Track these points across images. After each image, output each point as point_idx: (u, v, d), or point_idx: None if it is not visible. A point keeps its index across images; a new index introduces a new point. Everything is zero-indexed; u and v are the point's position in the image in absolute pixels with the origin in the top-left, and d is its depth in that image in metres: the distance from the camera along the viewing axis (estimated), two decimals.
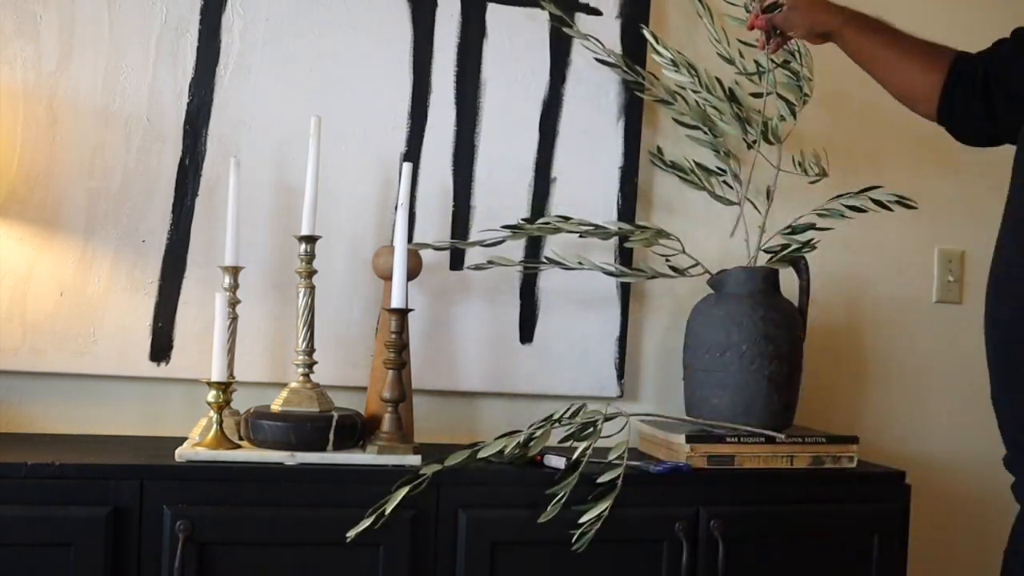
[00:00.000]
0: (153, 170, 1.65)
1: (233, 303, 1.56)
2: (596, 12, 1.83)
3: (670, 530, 1.53)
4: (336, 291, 1.71)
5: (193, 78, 1.66)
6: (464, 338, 1.78)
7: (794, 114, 1.79)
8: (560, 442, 1.56)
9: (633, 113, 1.86)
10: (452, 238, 1.77)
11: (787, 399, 1.68)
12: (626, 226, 1.73)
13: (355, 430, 1.50)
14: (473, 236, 1.77)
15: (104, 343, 1.62)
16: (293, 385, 1.52)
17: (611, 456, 1.51)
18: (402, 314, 1.51)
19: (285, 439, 1.44)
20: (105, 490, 1.33)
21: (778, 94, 1.79)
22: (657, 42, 1.80)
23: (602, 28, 1.83)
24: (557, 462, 1.54)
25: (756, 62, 1.80)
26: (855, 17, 1.60)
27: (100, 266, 1.63)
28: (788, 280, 1.78)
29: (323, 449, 1.46)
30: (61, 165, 1.61)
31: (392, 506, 1.39)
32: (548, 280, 1.82)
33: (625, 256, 1.85)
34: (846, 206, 1.75)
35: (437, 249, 1.69)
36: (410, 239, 1.63)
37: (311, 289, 1.55)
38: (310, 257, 1.55)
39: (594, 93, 1.84)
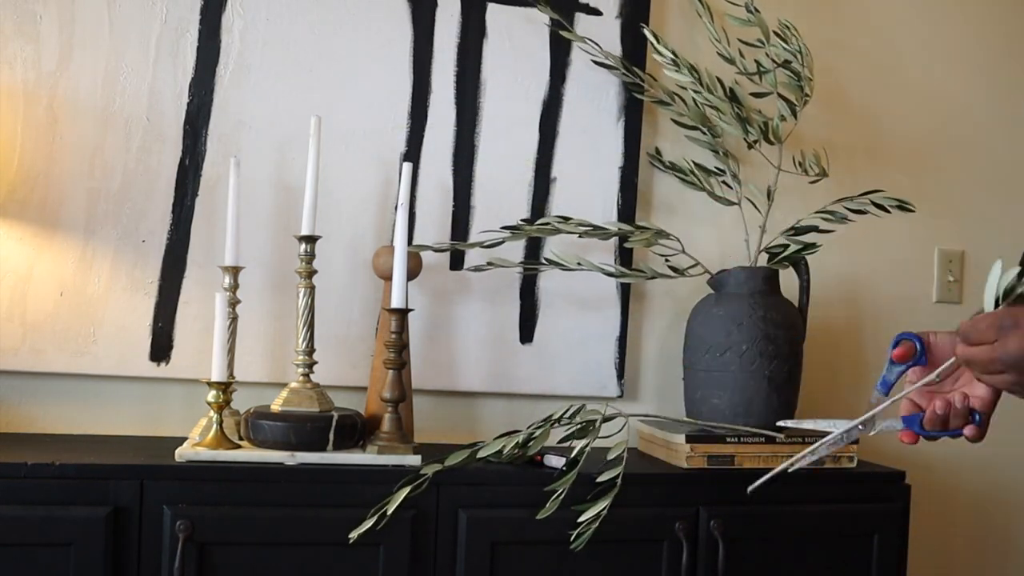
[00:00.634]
0: (153, 170, 1.65)
1: (233, 303, 1.56)
2: (596, 12, 1.83)
3: (670, 530, 1.53)
4: (336, 291, 1.71)
5: (193, 78, 1.66)
6: (464, 338, 1.78)
7: (795, 114, 1.79)
8: (560, 442, 1.56)
9: (633, 113, 1.86)
10: (452, 238, 1.77)
11: (787, 399, 1.68)
12: (626, 226, 1.73)
13: (355, 430, 1.50)
14: (473, 236, 1.77)
15: (104, 343, 1.62)
16: (293, 385, 1.52)
17: (610, 455, 1.50)
18: (402, 314, 1.51)
19: (285, 439, 1.44)
20: (105, 490, 1.33)
21: (778, 94, 1.79)
22: (658, 42, 1.80)
23: (602, 28, 1.83)
24: (557, 462, 1.54)
25: (757, 62, 1.79)
26: None
27: (100, 266, 1.63)
28: (788, 280, 1.78)
29: (323, 449, 1.46)
30: (61, 165, 1.61)
31: (394, 507, 1.39)
32: (548, 280, 1.82)
33: (625, 256, 1.85)
34: (848, 209, 1.76)
35: (437, 251, 1.69)
36: (410, 239, 1.63)
37: (311, 289, 1.55)
38: (310, 257, 1.55)
39: (594, 93, 1.84)
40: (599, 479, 1.47)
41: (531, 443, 1.52)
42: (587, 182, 1.84)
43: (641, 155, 1.87)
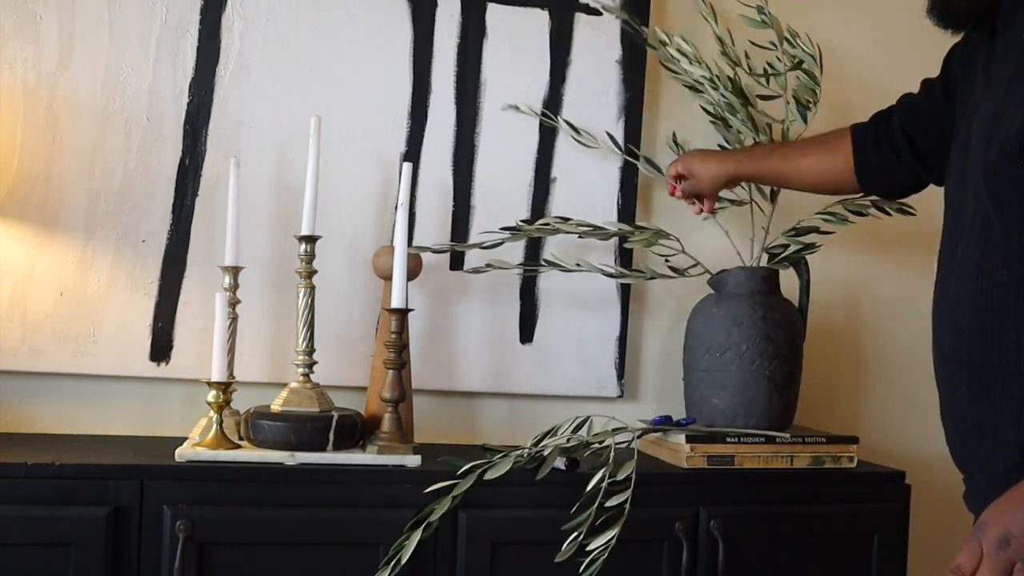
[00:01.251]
0: (153, 170, 1.65)
1: (233, 303, 1.56)
2: (596, 12, 1.83)
3: (670, 530, 1.53)
4: (336, 291, 1.71)
5: (193, 78, 1.66)
6: (464, 338, 1.78)
7: (804, 118, 1.78)
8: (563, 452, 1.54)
9: (633, 113, 1.85)
10: (452, 238, 1.77)
11: (787, 399, 1.68)
12: (625, 227, 1.73)
13: (355, 430, 1.50)
14: (473, 236, 1.77)
15: (104, 343, 1.62)
16: (293, 385, 1.52)
17: (620, 475, 1.46)
18: (402, 314, 1.51)
19: (285, 439, 1.44)
20: (105, 490, 1.33)
21: (793, 97, 1.78)
22: (670, 39, 1.78)
23: (603, 27, 1.83)
24: (559, 463, 1.53)
25: (769, 64, 1.79)
26: (746, 152, 1.68)
27: (100, 266, 1.63)
28: (788, 280, 1.78)
29: (323, 449, 1.46)
30: (61, 165, 1.61)
31: (408, 553, 1.37)
32: (548, 280, 1.82)
33: (625, 256, 1.85)
34: (849, 210, 1.75)
35: (436, 252, 1.69)
36: (410, 239, 1.63)
37: (311, 289, 1.55)
38: (310, 257, 1.55)
39: (594, 93, 1.84)
40: (607, 504, 1.43)
41: (542, 467, 1.48)
42: (587, 182, 1.83)
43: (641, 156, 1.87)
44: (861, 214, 1.76)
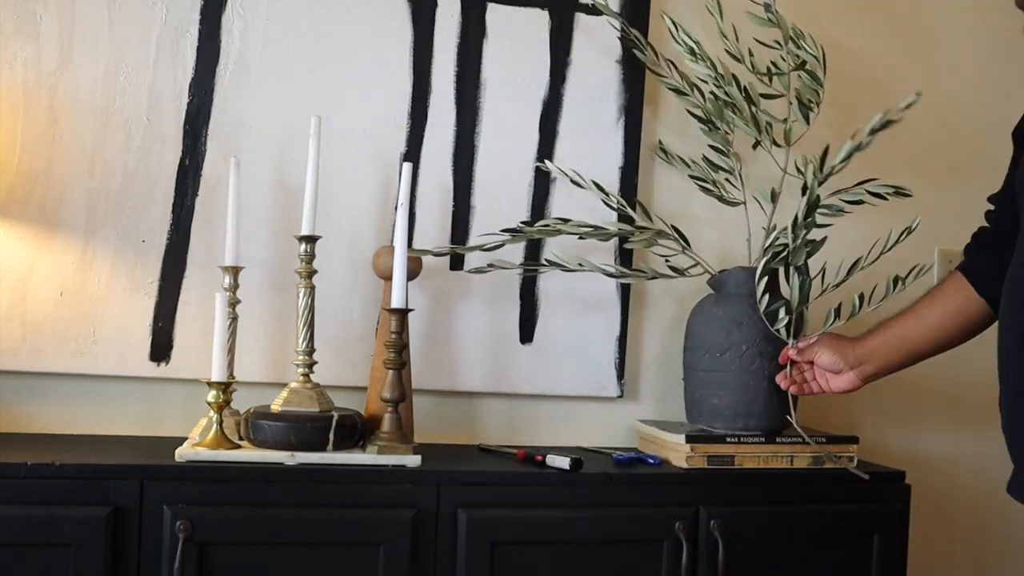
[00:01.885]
0: (153, 170, 1.65)
1: (233, 303, 1.56)
2: (596, 12, 1.83)
3: (670, 530, 1.53)
4: (336, 291, 1.71)
5: (193, 78, 1.66)
6: (464, 338, 1.78)
7: (807, 118, 1.78)
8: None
9: (633, 113, 1.86)
10: (452, 238, 1.77)
11: (787, 399, 1.68)
12: (626, 227, 1.73)
13: (355, 430, 1.50)
14: (473, 236, 1.77)
15: (104, 343, 1.62)
16: (293, 385, 1.52)
17: None
18: (402, 314, 1.51)
19: (285, 439, 1.44)
20: (105, 490, 1.33)
21: (796, 97, 1.77)
22: (677, 30, 1.77)
23: (602, 27, 1.83)
24: (560, 462, 1.54)
25: (772, 63, 1.78)
26: (872, 334, 1.63)
27: (100, 266, 1.63)
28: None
29: (323, 449, 1.46)
30: (61, 165, 1.61)
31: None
32: (548, 280, 1.82)
33: (625, 257, 1.85)
34: (845, 201, 1.74)
35: (437, 255, 1.69)
36: (410, 239, 1.63)
37: (311, 289, 1.55)
38: (310, 257, 1.55)
39: (594, 93, 1.84)
40: None
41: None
42: (587, 182, 1.83)
43: (641, 156, 1.86)
44: (857, 203, 1.74)
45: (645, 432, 1.78)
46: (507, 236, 1.67)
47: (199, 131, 1.66)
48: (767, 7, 1.75)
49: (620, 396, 1.86)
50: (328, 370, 1.65)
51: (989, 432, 1.40)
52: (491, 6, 1.79)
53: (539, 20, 1.81)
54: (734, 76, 1.77)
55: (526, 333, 1.81)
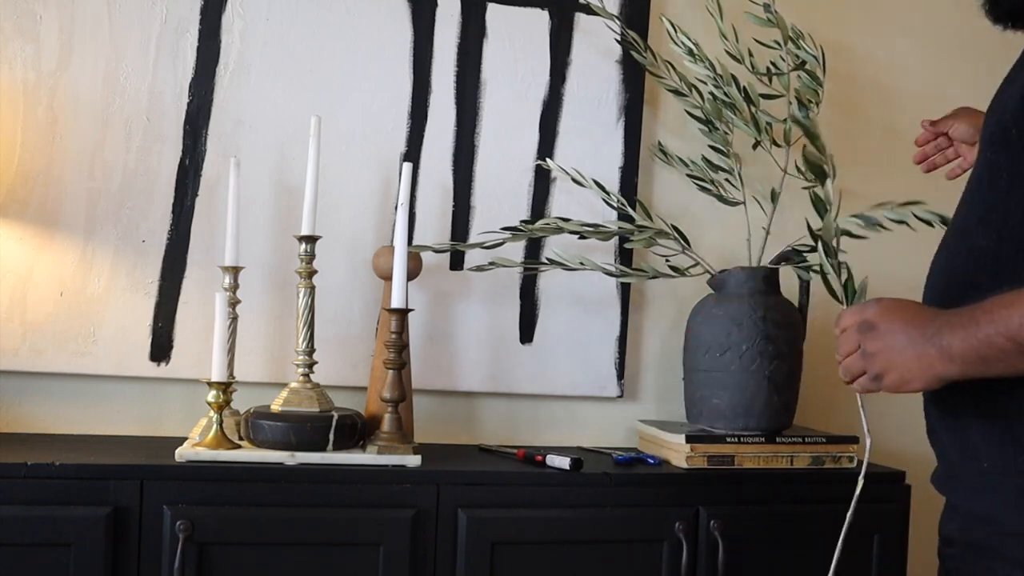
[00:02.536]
0: (153, 170, 1.65)
1: (233, 303, 1.56)
2: (596, 12, 1.83)
3: (670, 530, 1.53)
4: (336, 291, 1.71)
5: (193, 78, 1.66)
6: (464, 338, 1.78)
7: (808, 118, 1.78)
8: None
9: (633, 113, 1.86)
10: (452, 238, 1.77)
11: (787, 399, 1.68)
12: (626, 226, 1.73)
13: (355, 430, 1.50)
14: (473, 236, 1.77)
15: (104, 343, 1.62)
16: (293, 385, 1.52)
17: None
18: (402, 314, 1.51)
19: (285, 439, 1.44)
20: (105, 490, 1.33)
21: (795, 97, 1.77)
22: (677, 32, 1.76)
23: (602, 27, 1.83)
24: (560, 462, 1.54)
25: (772, 64, 1.78)
26: None
27: (100, 266, 1.63)
28: (788, 280, 1.78)
29: (323, 449, 1.46)
30: (61, 165, 1.61)
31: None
32: (548, 280, 1.82)
33: (625, 256, 1.85)
34: (889, 218, 1.67)
35: (437, 252, 1.69)
36: (410, 239, 1.63)
37: (311, 289, 1.55)
38: (310, 257, 1.55)
39: (594, 93, 1.84)
40: None
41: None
42: (587, 182, 1.83)
43: (641, 156, 1.86)
44: (901, 222, 1.67)
45: (645, 432, 1.78)
46: (507, 234, 1.67)
47: (199, 131, 1.66)
48: (766, 7, 1.75)
49: (620, 396, 1.86)
50: (328, 370, 1.65)
51: None
52: (491, 6, 1.79)
53: (539, 20, 1.81)
54: (733, 76, 1.77)
55: (526, 333, 1.81)
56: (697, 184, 1.85)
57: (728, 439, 1.63)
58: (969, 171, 1.33)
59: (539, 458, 1.57)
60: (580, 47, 1.83)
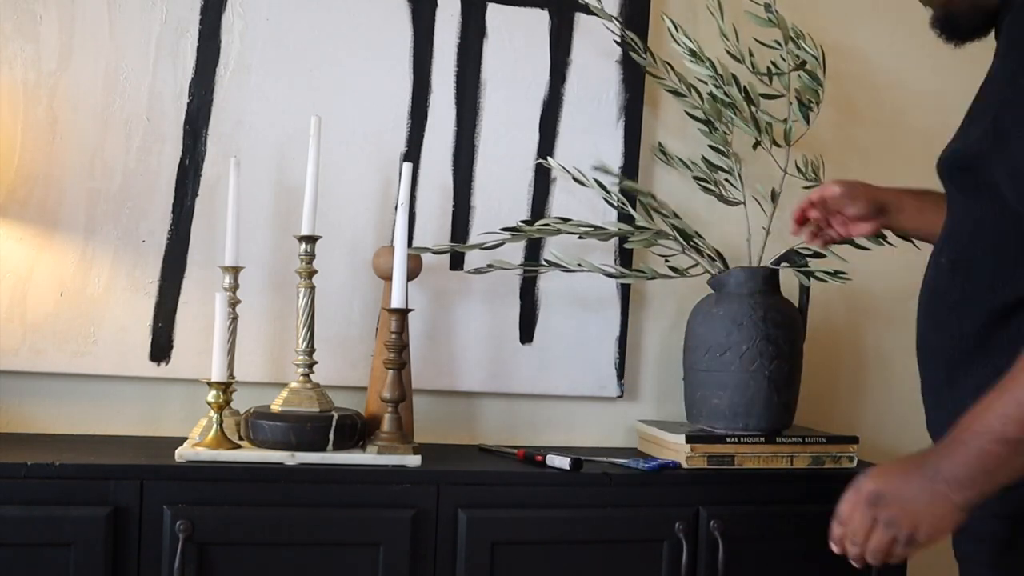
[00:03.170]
0: (153, 170, 1.65)
1: (233, 303, 1.56)
2: (595, 13, 1.83)
3: (670, 530, 1.53)
4: (336, 291, 1.71)
5: (193, 78, 1.66)
6: (464, 338, 1.78)
7: (807, 118, 1.78)
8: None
9: (633, 113, 1.86)
10: (452, 238, 1.77)
11: (787, 399, 1.68)
12: (626, 227, 1.73)
13: (355, 430, 1.50)
14: (473, 236, 1.77)
15: (104, 343, 1.62)
16: (293, 385, 1.52)
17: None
18: (402, 314, 1.51)
19: (285, 439, 1.44)
20: (105, 490, 1.33)
21: (796, 97, 1.77)
22: (678, 31, 1.76)
23: (602, 27, 1.83)
24: (560, 462, 1.54)
25: (773, 63, 1.78)
26: (908, 190, 1.50)
27: (100, 266, 1.63)
28: (788, 280, 1.78)
29: (323, 449, 1.46)
30: (61, 165, 1.61)
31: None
32: (548, 280, 1.82)
33: (625, 256, 1.85)
34: (897, 234, 1.65)
35: (436, 253, 1.69)
36: (410, 239, 1.63)
37: (311, 289, 1.55)
38: (310, 257, 1.55)
39: (594, 93, 1.84)
40: None
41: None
42: (587, 182, 1.83)
43: (641, 156, 1.86)
44: (906, 239, 1.62)
45: (645, 432, 1.78)
46: (507, 235, 1.67)
47: (199, 131, 1.66)
48: (767, 7, 1.75)
49: (620, 396, 1.86)
50: (328, 370, 1.65)
51: None
52: (491, 6, 1.79)
53: (539, 20, 1.81)
54: (734, 76, 1.77)
55: (526, 333, 1.81)
56: (699, 184, 1.85)
57: (728, 439, 1.63)
58: None
59: (539, 458, 1.57)
60: (580, 47, 1.83)
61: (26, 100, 1.60)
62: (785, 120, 1.78)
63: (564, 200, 1.82)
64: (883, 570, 1.65)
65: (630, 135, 1.86)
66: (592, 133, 1.84)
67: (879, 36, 2.06)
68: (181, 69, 1.66)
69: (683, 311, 1.83)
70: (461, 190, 1.78)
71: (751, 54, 1.80)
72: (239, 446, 1.46)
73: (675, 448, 1.64)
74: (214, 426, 1.45)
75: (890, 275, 2.06)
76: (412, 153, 1.76)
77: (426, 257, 1.68)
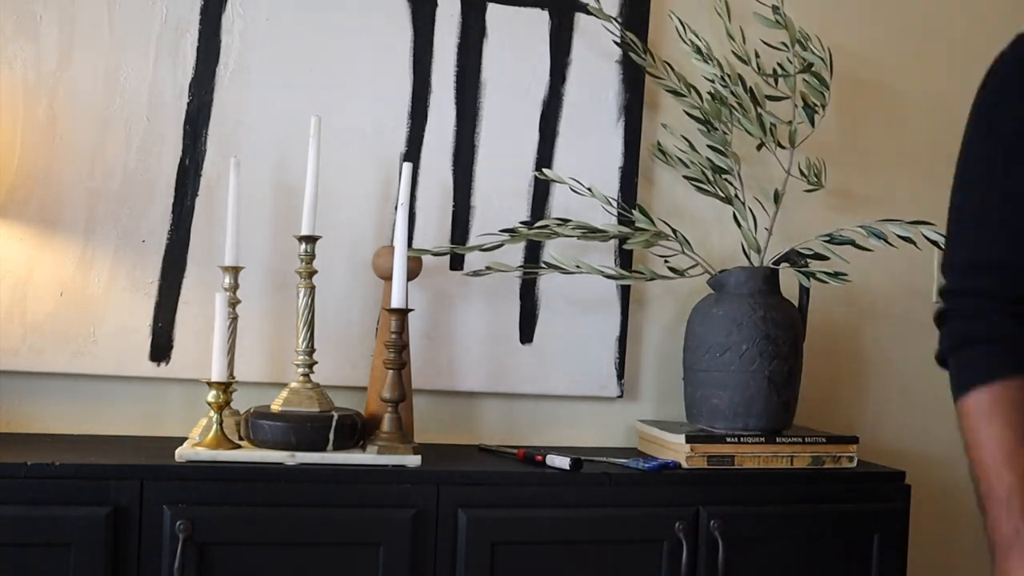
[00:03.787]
0: (153, 170, 1.65)
1: (233, 303, 1.56)
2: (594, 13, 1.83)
3: (670, 530, 1.53)
4: (336, 291, 1.71)
5: (193, 78, 1.66)
6: (464, 338, 1.78)
7: (812, 120, 1.78)
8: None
9: (633, 114, 1.86)
10: (452, 238, 1.77)
11: (787, 399, 1.68)
12: (625, 228, 1.73)
13: (355, 430, 1.50)
14: (473, 236, 1.77)
15: (104, 343, 1.62)
16: (293, 385, 1.52)
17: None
18: (402, 314, 1.51)
19: (285, 439, 1.44)
20: (105, 490, 1.33)
21: (801, 99, 1.77)
22: (686, 31, 1.76)
23: (602, 27, 1.83)
24: (560, 462, 1.54)
25: (779, 65, 1.78)
26: None
27: (100, 266, 1.63)
28: (788, 280, 1.78)
29: (323, 449, 1.46)
30: (61, 165, 1.61)
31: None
32: (548, 280, 1.82)
33: (625, 257, 1.85)
34: (898, 235, 1.66)
35: (436, 255, 1.69)
36: (410, 239, 1.63)
37: (311, 289, 1.55)
38: (310, 257, 1.55)
39: (594, 93, 1.84)
40: None
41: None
42: (587, 182, 1.83)
43: (641, 156, 1.86)
44: (908, 240, 1.66)
45: (645, 432, 1.78)
46: (506, 236, 1.67)
47: (199, 131, 1.66)
48: (775, 9, 1.74)
49: (620, 396, 1.86)
50: (328, 370, 1.65)
51: None
52: (491, 6, 1.79)
53: (539, 20, 1.81)
54: (740, 77, 1.77)
55: (526, 333, 1.81)
56: (693, 185, 1.84)
57: (728, 439, 1.63)
58: None
59: (539, 458, 1.57)
60: (580, 47, 1.83)
61: (26, 100, 1.60)
62: (790, 122, 1.78)
63: (565, 199, 1.82)
64: (883, 570, 1.65)
65: (630, 135, 1.86)
66: (592, 133, 1.84)
67: (886, 39, 2.06)
68: (181, 69, 1.66)
69: (683, 311, 1.83)
70: (461, 190, 1.78)
71: (757, 55, 1.80)
72: (239, 446, 1.46)
73: (675, 448, 1.64)
74: (214, 426, 1.45)
75: (890, 275, 2.07)
76: (412, 153, 1.76)
77: (426, 257, 1.68)
